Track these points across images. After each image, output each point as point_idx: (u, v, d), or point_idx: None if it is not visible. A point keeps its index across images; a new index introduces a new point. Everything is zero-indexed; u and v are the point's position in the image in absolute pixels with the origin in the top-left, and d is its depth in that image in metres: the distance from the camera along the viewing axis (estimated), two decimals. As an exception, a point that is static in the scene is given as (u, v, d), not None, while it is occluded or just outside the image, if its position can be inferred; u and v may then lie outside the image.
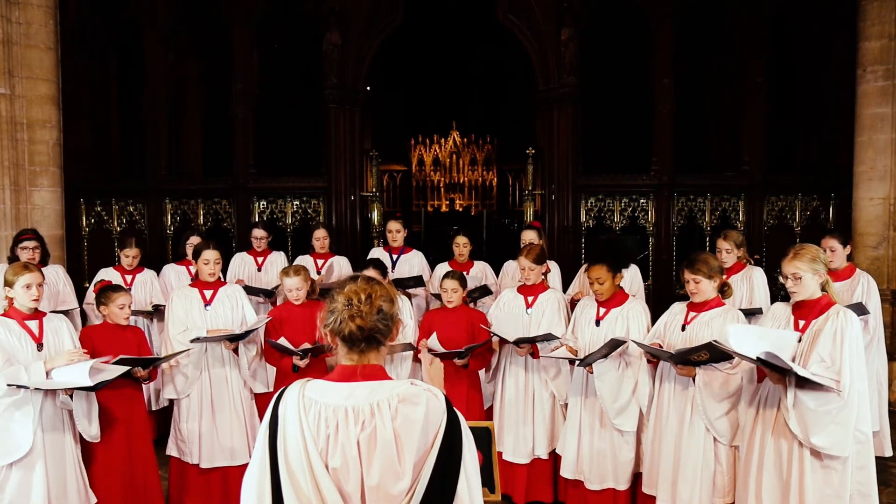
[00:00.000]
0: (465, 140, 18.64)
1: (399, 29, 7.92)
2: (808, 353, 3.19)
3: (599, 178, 7.82)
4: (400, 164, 18.50)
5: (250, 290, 5.30)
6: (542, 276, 4.60)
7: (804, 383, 3.10)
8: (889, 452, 4.57)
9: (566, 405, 4.39)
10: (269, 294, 5.68)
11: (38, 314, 3.66)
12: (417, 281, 5.62)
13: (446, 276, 4.49)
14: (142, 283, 5.64)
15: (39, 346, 3.58)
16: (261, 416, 2.94)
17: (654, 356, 3.83)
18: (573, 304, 4.85)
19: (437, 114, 17.38)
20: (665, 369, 3.82)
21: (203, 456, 4.34)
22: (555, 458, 4.44)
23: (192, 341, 4.20)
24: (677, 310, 3.88)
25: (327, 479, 1.64)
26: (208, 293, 4.39)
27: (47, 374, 3.45)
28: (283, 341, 4.08)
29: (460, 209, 18.31)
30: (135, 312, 5.04)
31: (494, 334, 4.36)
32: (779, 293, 6.71)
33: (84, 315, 5.74)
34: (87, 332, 4.05)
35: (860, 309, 4.31)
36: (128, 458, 3.95)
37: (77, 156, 7.56)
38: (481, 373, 4.65)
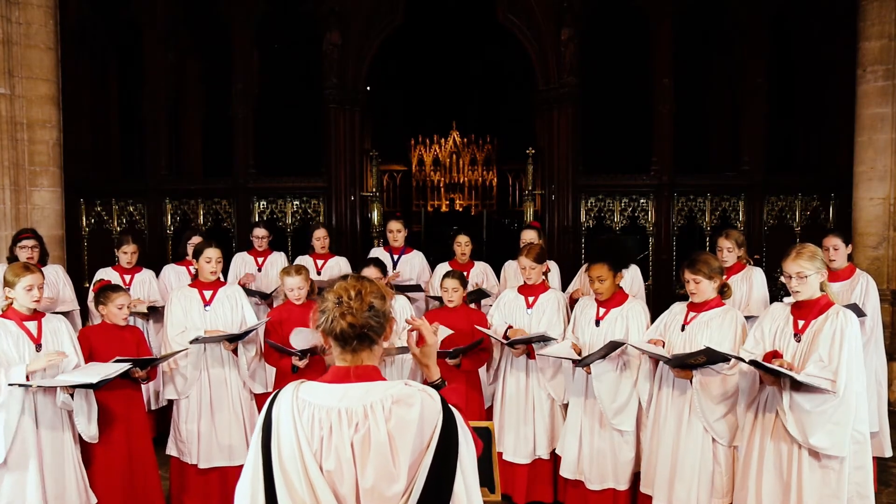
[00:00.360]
0: (465, 140, 18.64)
1: (399, 29, 7.92)
2: (807, 354, 3.19)
3: (599, 178, 7.81)
4: (400, 164, 18.50)
5: (248, 291, 5.30)
6: (543, 276, 4.60)
7: (799, 385, 3.10)
8: (889, 453, 4.57)
9: (566, 405, 4.39)
10: (266, 297, 5.68)
11: (36, 315, 3.65)
12: (415, 288, 5.62)
13: (447, 275, 4.50)
14: (140, 283, 5.64)
15: (38, 347, 3.57)
16: (260, 417, 2.93)
17: (653, 356, 3.83)
18: (573, 302, 4.85)
19: (437, 114, 17.38)
20: (664, 369, 3.82)
21: (202, 456, 4.34)
22: (555, 458, 4.44)
23: (191, 342, 4.20)
24: (677, 310, 3.88)
25: (322, 481, 1.62)
26: (208, 293, 4.39)
27: (27, 376, 3.42)
28: (303, 334, 3.99)
29: (460, 209, 18.31)
30: (131, 312, 5.04)
31: (492, 336, 4.37)
32: (779, 293, 6.71)
33: (85, 315, 5.74)
34: (86, 333, 4.05)
35: (856, 311, 4.31)
36: (128, 459, 3.95)
37: (77, 156, 7.56)
38: (483, 374, 4.66)
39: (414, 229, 7.17)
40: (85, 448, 3.80)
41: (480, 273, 5.70)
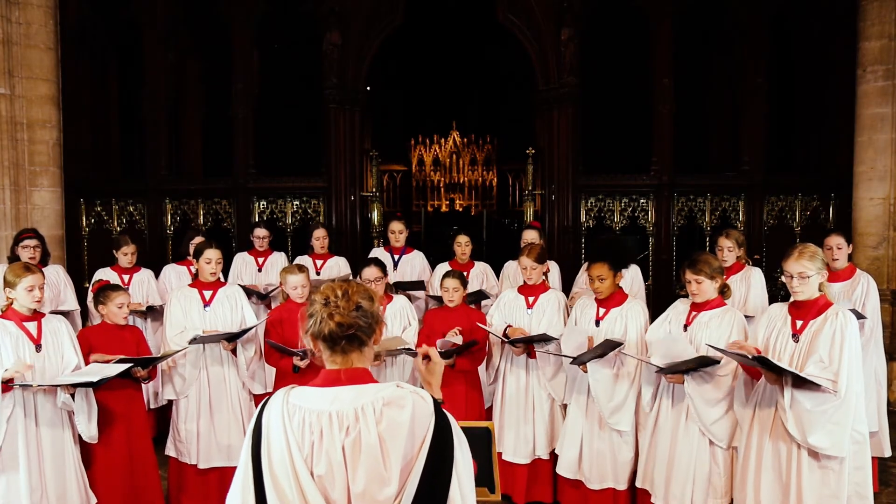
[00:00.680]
0: (465, 140, 18.64)
1: (399, 29, 7.92)
2: (806, 354, 3.18)
3: (599, 178, 7.81)
4: (400, 164, 18.50)
5: (247, 291, 5.30)
6: (543, 277, 4.61)
7: (800, 383, 3.10)
8: (889, 453, 4.56)
9: (565, 406, 4.39)
10: (263, 297, 5.68)
11: (36, 315, 3.65)
12: (418, 285, 5.62)
13: (447, 275, 4.49)
14: (139, 283, 5.64)
15: (38, 348, 3.56)
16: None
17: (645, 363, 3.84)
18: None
19: (437, 114, 17.38)
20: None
21: (201, 456, 4.34)
22: (555, 458, 4.44)
23: (189, 342, 4.20)
24: (681, 308, 3.88)
25: (312, 486, 1.60)
26: (208, 294, 4.39)
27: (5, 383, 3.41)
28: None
29: (460, 209, 18.31)
30: (130, 312, 5.04)
31: (493, 333, 4.37)
32: (779, 293, 6.72)
33: (85, 315, 5.74)
34: (85, 333, 4.04)
35: (855, 315, 4.31)
36: (128, 458, 3.95)
37: (77, 156, 7.56)
38: (483, 373, 4.66)
39: (414, 229, 7.16)
40: (85, 448, 3.80)
41: (480, 273, 5.69)
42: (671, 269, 7.68)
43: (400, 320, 4.48)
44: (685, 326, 3.76)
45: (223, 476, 4.33)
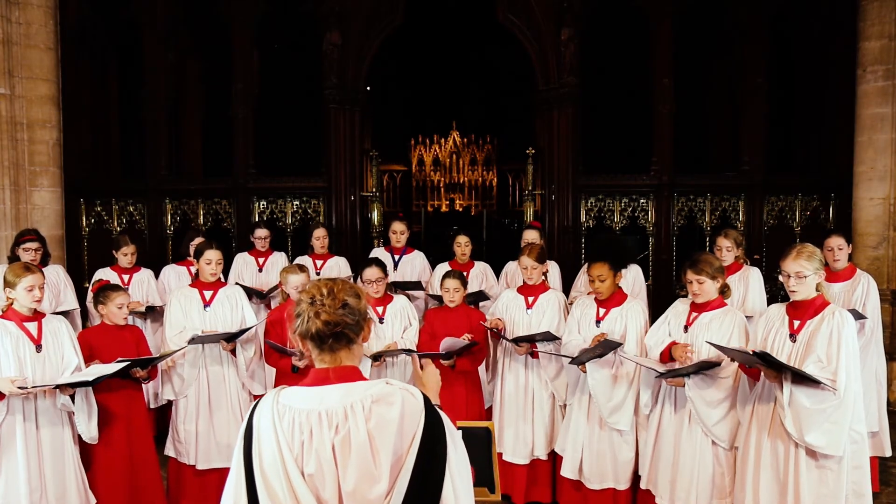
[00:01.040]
0: (465, 140, 18.65)
1: (399, 29, 7.92)
2: (803, 354, 3.19)
3: (599, 178, 7.81)
4: (400, 164, 18.51)
5: (246, 290, 5.30)
6: (543, 277, 4.61)
7: (800, 381, 3.10)
8: (889, 452, 4.56)
9: (565, 405, 4.39)
10: (263, 296, 5.67)
11: (37, 315, 3.64)
12: (415, 285, 5.62)
13: (447, 275, 4.49)
14: (139, 283, 5.64)
15: (38, 348, 3.56)
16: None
17: (645, 367, 3.84)
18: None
19: (437, 114, 17.39)
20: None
21: (199, 457, 4.34)
22: (554, 458, 4.44)
23: (188, 341, 4.20)
24: (681, 308, 3.87)
25: (304, 486, 1.60)
26: (208, 294, 4.39)
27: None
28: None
29: (460, 209, 18.32)
30: (130, 312, 5.04)
31: (491, 330, 4.36)
32: (779, 294, 6.72)
33: (85, 315, 5.74)
34: (85, 335, 4.03)
35: (854, 315, 4.31)
36: (129, 459, 3.94)
37: (77, 156, 7.56)
38: (482, 373, 4.66)
39: (414, 229, 7.16)
40: (86, 449, 3.79)
41: (480, 273, 5.69)
42: (671, 269, 7.68)
43: (400, 320, 4.48)
44: (685, 327, 3.75)
45: (222, 477, 4.29)
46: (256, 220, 7.60)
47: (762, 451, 3.30)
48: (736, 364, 3.50)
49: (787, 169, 8.65)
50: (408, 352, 4.28)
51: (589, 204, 7.79)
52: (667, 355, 3.78)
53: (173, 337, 4.28)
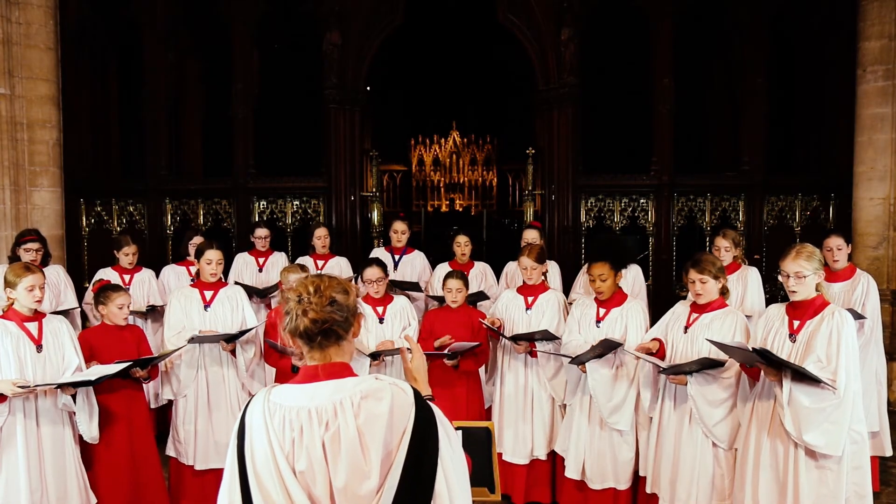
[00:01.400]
0: (465, 140, 18.65)
1: (399, 29, 7.92)
2: (803, 355, 3.18)
3: (599, 178, 7.82)
4: (400, 164, 18.51)
5: (247, 290, 5.30)
6: (543, 277, 4.61)
7: (800, 379, 3.10)
8: (889, 452, 4.56)
9: (564, 406, 4.39)
10: (263, 294, 5.67)
11: (37, 315, 3.64)
12: (415, 287, 5.62)
13: (450, 275, 4.49)
14: (140, 283, 5.64)
15: (38, 348, 3.56)
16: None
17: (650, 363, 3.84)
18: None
19: (437, 114, 17.39)
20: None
21: (198, 457, 4.34)
22: (553, 458, 4.44)
23: (188, 341, 4.20)
24: (680, 310, 3.87)
25: (296, 484, 1.60)
26: (208, 294, 4.39)
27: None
28: None
29: (460, 209, 18.31)
30: (130, 312, 5.04)
31: (491, 328, 4.37)
32: (779, 294, 6.71)
33: (84, 315, 5.74)
34: (86, 335, 4.03)
35: (853, 315, 4.31)
36: (130, 458, 3.94)
37: (77, 156, 7.56)
38: (482, 373, 4.66)
39: (414, 229, 7.16)
40: (87, 449, 3.80)
41: (480, 273, 5.69)
42: (671, 269, 7.68)
43: (400, 320, 4.48)
44: (686, 328, 3.75)
45: (221, 477, 4.33)
46: (256, 220, 7.60)
47: (762, 451, 3.30)
48: (737, 368, 3.49)
49: (787, 169, 8.65)
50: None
51: (589, 204, 7.80)
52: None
53: (171, 337, 4.28)
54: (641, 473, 4.01)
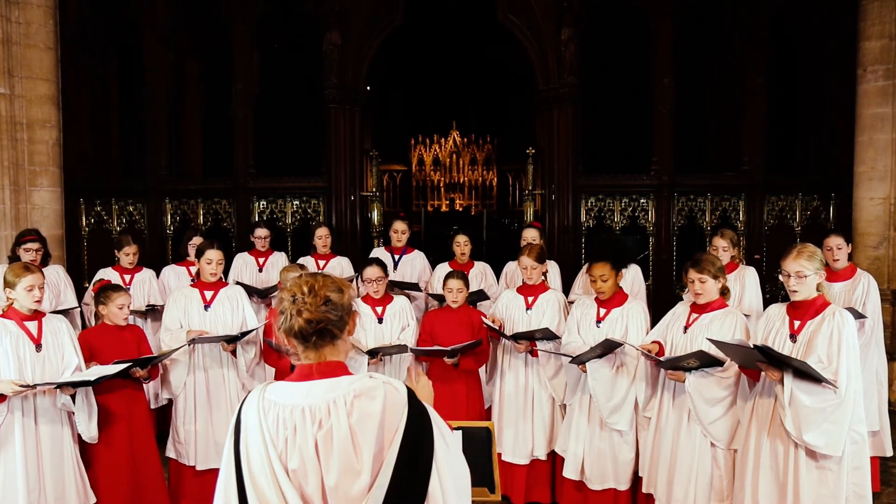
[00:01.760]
0: (466, 140, 18.65)
1: (399, 29, 7.92)
2: (804, 355, 3.18)
3: (599, 178, 7.82)
4: (400, 164, 18.50)
5: (247, 290, 5.30)
6: (543, 277, 4.60)
7: (801, 378, 3.09)
8: (889, 452, 4.56)
9: (564, 406, 4.39)
10: (263, 295, 5.67)
11: (37, 315, 3.64)
12: (414, 287, 5.61)
13: (450, 275, 4.48)
14: (140, 283, 5.64)
15: (38, 347, 3.56)
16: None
17: (647, 358, 3.83)
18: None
19: (437, 114, 17.38)
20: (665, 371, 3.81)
21: (198, 457, 4.34)
22: (553, 458, 4.44)
23: (189, 342, 4.20)
24: (680, 311, 3.86)
25: (288, 482, 1.60)
26: (209, 294, 4.38)
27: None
28: None
29: (460, 209, 18.31)
30: (130, 311, 5.04)
31: (491, 327, 4.37)
32: (778, 293, 6.72)
33: (84, 314, 5.74)
34: (86, 335, 4.03)
35: (853, 314, 4.31)
36: (130, 458, 3.93)
37: (77, 156, 7.56)
38: (482, 373, 4.65)
39: (414, 229, 7.16)
40: (88, 449, 3.79)
41: (480, 273, 5.68)
42: (671, 269, 7.68)
43: (399, 320, 4.48)
44: (685, 328, 3.74)
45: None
46: (256, 219, 7.61)
47: (762, 451, 3.29)
48: (736, 369, 3.48)
49: (787, 169, 8.65)
50: (418, 350, 4.28)
51: (589, 204, 7.80)
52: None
53: (164, 338, 4.29)
54: (641, 474, 4.01)
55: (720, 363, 3.49)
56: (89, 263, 7.68)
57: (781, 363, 3.11)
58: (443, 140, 18.69)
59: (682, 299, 3.99)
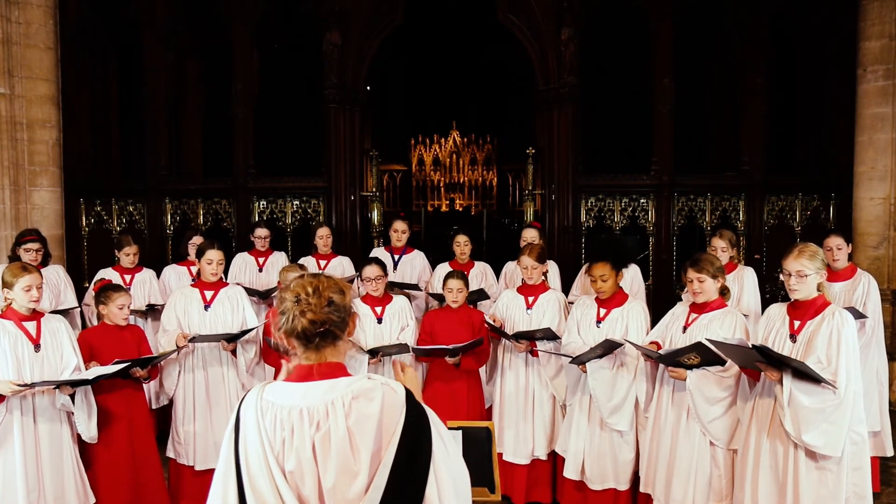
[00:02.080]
0: (465, 140, 18.64)
1: (399, 29, 7.92)
2: (804, 355, 3.17)
3: (599, 178, 7.82)
4: (400, 164, 18.50)
5: (248, 290, 5.30)
6: (543, 277, 4.60)
7: (800, 379, 3.09)
8: (890, 452, 4.56)
9: (565, 406, 4.39)
10: (264, 296, 5.67)
11: (35, 315, 3.64)
12: (414, 288, 5.61)
13: (451, 275, 4.48)
14: (140, 283, 5.64)
15: (37, 347, 3.56)
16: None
17: (646, 356, 3.83)
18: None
19: (437, 114, 17.38)
20: (664, 370, 3.81)
21: (198, 458, 4.33)
22: (554, 458, 4.44)
23: (189, 341, 4.20)
24: (679, 311, 3.86)
25: (285, 483, 1.60)
26: (209, 294, 4.38)
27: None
28: None
29: (460, 209, 18.31)
30: (131, 311, 5.04)
31: (492, 327, 4.36)
32: (778, 293, 6.72)
33: (84, 314, 5.73)
34: (86, 335, 4.02)
35: (854, 313, 4.31)
36: (130, 458, 3.93)
37: (77, 156, 7.57)
38: (482, 373, 4.65)
39: (414, 229, 7.16)
40: (87, 449, 3.79)
41: (480, 273, 5.68)
42: (671, 269, 7.68)
43: (398, 320, 4.47)
44: (684, 328, 3.74)
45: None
46: (256, 219, 7.61)
47: (762, 451, 3.29)
48: (737, 369, 3.48)
49: (787, 169, 8.65)
50: (420, 350, 4.28)
51: (589, 204, 7.80)
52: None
53: (160, 338, 4.30)
54: (641, 474, 4.01)
55: (720, 360, 3.48)
56: (89, 263, 7.68)
57: (780, 363, 3.11)
58: (443, 140, 18.69)
59: (681, 299, 3.99)
